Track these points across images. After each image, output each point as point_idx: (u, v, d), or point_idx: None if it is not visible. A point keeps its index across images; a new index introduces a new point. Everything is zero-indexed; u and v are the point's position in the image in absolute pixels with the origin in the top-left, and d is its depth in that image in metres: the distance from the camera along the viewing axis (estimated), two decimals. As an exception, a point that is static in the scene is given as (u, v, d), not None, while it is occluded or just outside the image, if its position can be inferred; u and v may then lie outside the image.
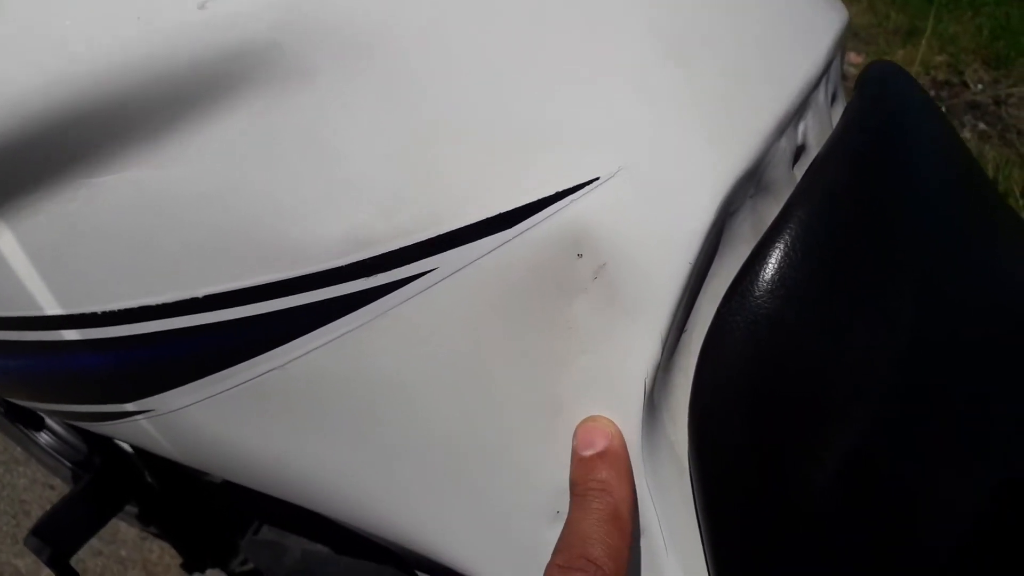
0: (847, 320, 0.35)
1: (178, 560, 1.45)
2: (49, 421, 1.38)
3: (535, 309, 0.35)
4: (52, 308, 0.43)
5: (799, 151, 0.40)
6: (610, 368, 0.35)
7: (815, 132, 0.41)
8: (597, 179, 0.33)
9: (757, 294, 0.34)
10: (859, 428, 0.35)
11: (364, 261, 0.35)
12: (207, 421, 0.43)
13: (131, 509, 0.92)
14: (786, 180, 0.38)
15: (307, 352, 0.38)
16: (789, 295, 0.34)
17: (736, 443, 0.35)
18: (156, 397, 0.44)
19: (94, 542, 1.48)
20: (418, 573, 0.52)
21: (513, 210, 0.33)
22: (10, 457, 1.59)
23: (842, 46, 0.47)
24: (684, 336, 0.36)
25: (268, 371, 0.39)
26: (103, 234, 0.39)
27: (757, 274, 0.34)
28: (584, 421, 0.36)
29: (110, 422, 0.49)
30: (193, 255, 0.38)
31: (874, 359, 0.35)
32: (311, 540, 0.59)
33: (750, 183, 0.35)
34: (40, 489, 1.56)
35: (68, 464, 1.32)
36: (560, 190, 0.33)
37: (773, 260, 0.34)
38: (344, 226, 0.35)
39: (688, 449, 0.37)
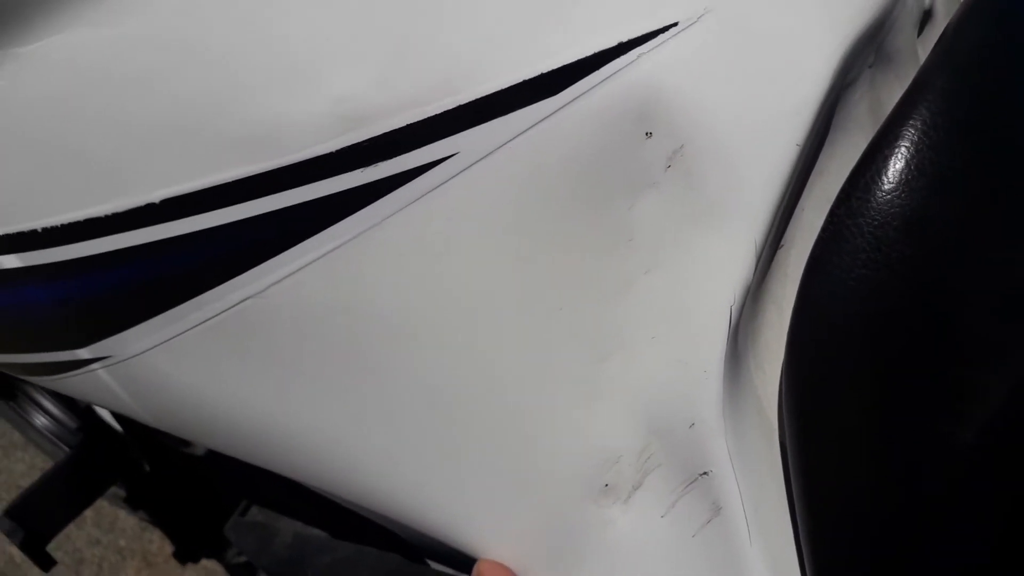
0: (1005, 227, 0.26)
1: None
2: (47, 404, 1.32)
3: (585, 211, 0.27)
4: (-15, 227, 0.35)
5: (925, 18, 0.31)
6: (683, 293, 0.27)
7: (944, -2, 0.32)
8: (675, 25, 0.24)
9: (885, 187, 0.25)
10: (1012, 374, 0.26)
11: (359, 145, 0.27)
12: (173, 368, 0.35)
13: (120, 493, 0.85)
14: (910, 52, 0.29)
15: (291, 273, 0.30)
16: (930, 187, 0.25)
17: (851, 396, 0.26)
18: (113, 339, 0.36)
19: (92, 531, 1.42)
20: (429, 563, 0.43)
21: (558, 70, 0.25)
22: (8, 442, 1.53)
23: None
24: (779, 254, 0.28)
25: (243, 300, 0.31)
26: (35, 119, 0.31)
27: (885, 161, 0.25)
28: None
29: (65, 374, 0.41)
30: (147, 146, 0.30)
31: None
32: (306, 523, 0.51)
33: (870, 47, 0.27)
34: (39, 474, 1.49)
35: (66, 449, 1.25)
36: (623, 40, 0.25)
37: (907, 141, 0.25)
38: (330, 97, 0.26)
39: (782, 407, 0.28)
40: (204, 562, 1.40)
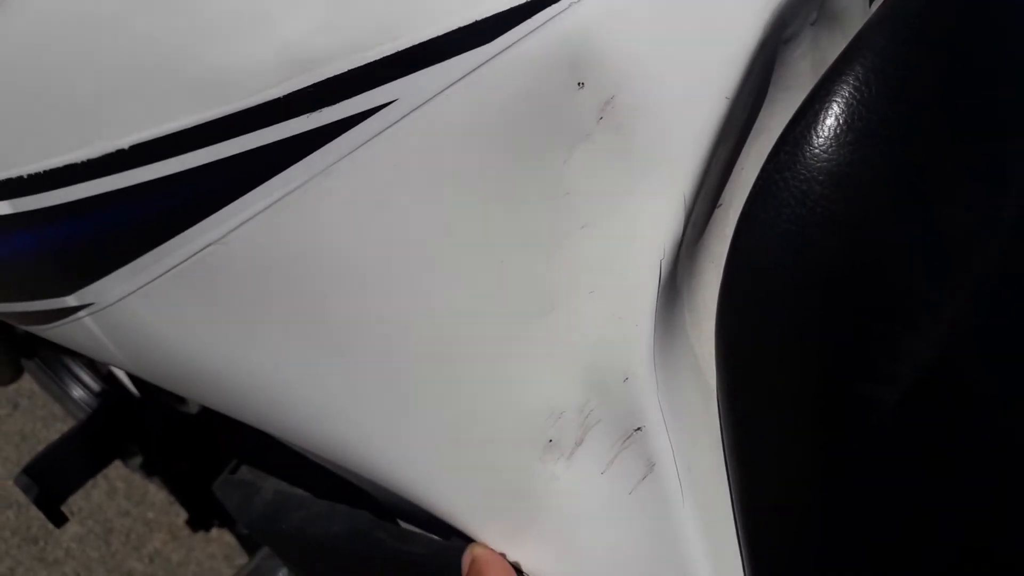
0: (934, 184, 0.26)
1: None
2: (85, 376, 1.36)
3: (522, 163, 0.27)
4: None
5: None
6: (616, 246, 0.27)
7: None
8: (605, -25, 0.25)
9: (816, 143, 0.25)
10: (944, 332, 0.26)
11: (305, 90, 0.28)
12: (149, 314, 0.37)
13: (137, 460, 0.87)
14: (859, 11, 0.29)
15: (246, 220, 0.31)
16: (857, 144, 0.25)
17: (777, 354, 0.26)
18: (94, 285, 0.38)
19: (123, 503, 1.47)
20: (399, 522, 0.44)
21: (492, 17, 0.25)
22: (48, 413, 1.58)
23: None
24: (718, 212, 0.28)
25: (206, 246, 0.33)
26: (12, 70, 0.33)
27: (816, 116, 0.25)
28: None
29: (56, 323, 0.42)
30: (113, 90, 0.31)
31: (968, 241, 0.26)
32: (289, 483, 0.52)
33: (812, 4, 0.26)
34: (76, 446, 1.54)
35: (100, 419, 1.28)
36: (555, -10, 0.25)
37: (839, 98, 0.25)
38: (277, 42, 0.27)
39: (716, 364, 0.28)
40: (227, 537, 1.43)
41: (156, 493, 1.44)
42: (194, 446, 0.70)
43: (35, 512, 1.46)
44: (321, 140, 0.28)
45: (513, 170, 0.27)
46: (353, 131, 0.28)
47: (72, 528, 1.41)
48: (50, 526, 1.43)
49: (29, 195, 0.36)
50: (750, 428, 0.27)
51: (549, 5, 0.25)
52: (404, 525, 0.44)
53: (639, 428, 0.29)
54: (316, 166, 0.29)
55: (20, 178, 0.36)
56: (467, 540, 0.36)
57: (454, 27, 0.26)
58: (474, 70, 0.26)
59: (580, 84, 0.26)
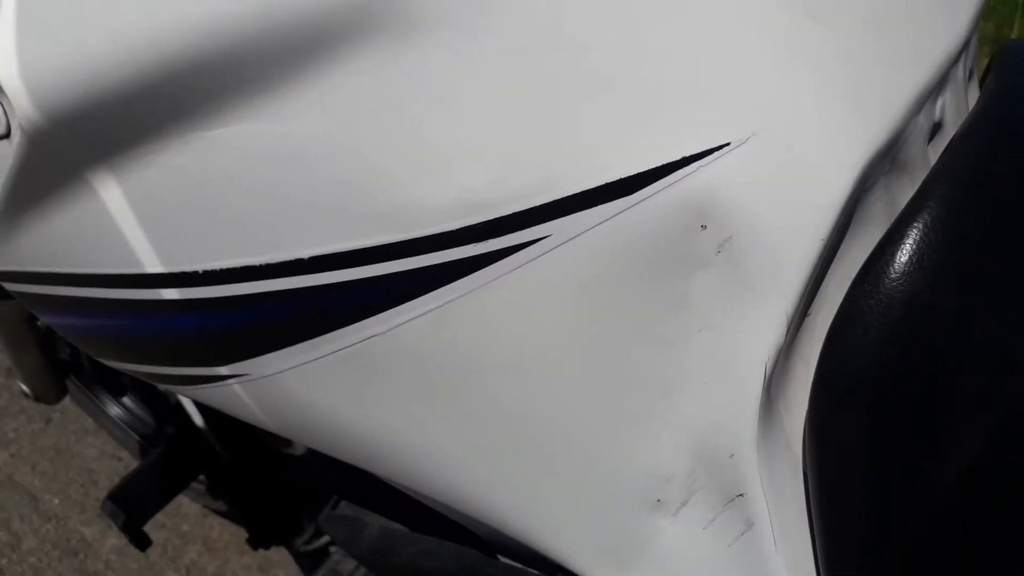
0: (989, 309, 0.32)
1: (238, 538, 1.47)
2: (124, 399, 1.41)
3: (650, 283, 0.33)
4: (153, 266, 0.43)
5: (935, 128, 0.38)
6: (728, 349, 0.34)
7: (952, 109, 0.38)
8: (727, 144, 0.31)
9: (892, 276, 0.32)
10: (993, 428, 0.33)
11: (475, 226, 0.34)
12: (302, 387, 0.43)
13: (197, 485, 0.93)
14: (921, 159, 0.36)
15: (412, 318, 0.37)
16: (927, 279, 0.31)
17: (860, 438, 0.33)
18: (252, 361, 0.43)
19: (158, 516, 1.51)
20: (500, 557, 0.50)
21: (634, 175, 0.32)
22: (80, 427, 1.63)
23: (979, 21, 0.44)
24: (807, 321, 0.35)
25: (371, 337, 0.39)
26: (211, 190, 0.38)
27: (893, 254, 0.32)
28: None
29: (200, 386, 0.48)
30: (301, 214, 0.37)
31: (1016, 352, 0.33)
32: (388, 518, 0.58)
33: (886, 159, 0.33)
34: (108, 460, 1.60)
35: (137, 437, 1.34)
36: (686, 155, 0.31)
37: (911, 240, 0.32)
38: (457, 189, 0.34)
39: (806, 444, 0.35)
40: (260, 551, 1.49)
41: (190, 506, 1.49)
42: (274, 477, 0.76)
43: (73, 524, 1.51)
44: (484, 262, 0.34)
45: (642, 288, 0.34)
46: (512, 257, 0.34)
47: (111, 541, 1.47)
48: (89, 538, 1.49)
49: (199, 287, 0.42)
50: (834, 495, 0.34)
51: (682, 168, 0.32)
52: (502, 559, 0.51)
53: (741, 494, 0.36)
54: (478, 281, 0.35)
55: (195, 272, 0.41)
56: (572, 576, 0.42)
57: (605, 182, 0.32)
58: (617, 214, 0.32)
59: (704, 226, 0.32)
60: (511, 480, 0.40)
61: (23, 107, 0.37)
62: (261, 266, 0.39)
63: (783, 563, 0.35)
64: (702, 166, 0.31)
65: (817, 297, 0.34)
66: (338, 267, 0.37)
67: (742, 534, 0.36)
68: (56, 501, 1.53)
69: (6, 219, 0.47)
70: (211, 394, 0.48)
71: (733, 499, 0.36)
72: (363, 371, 0.40)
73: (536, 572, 0.46)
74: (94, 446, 1.61)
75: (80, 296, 0.49)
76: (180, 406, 0.89)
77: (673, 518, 0.38)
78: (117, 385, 1.37)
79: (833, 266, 0.34)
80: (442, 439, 0.40)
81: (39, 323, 1.02)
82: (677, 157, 0.31)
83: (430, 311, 0.36)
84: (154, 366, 0.50)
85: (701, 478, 0.37)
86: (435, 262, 0.35)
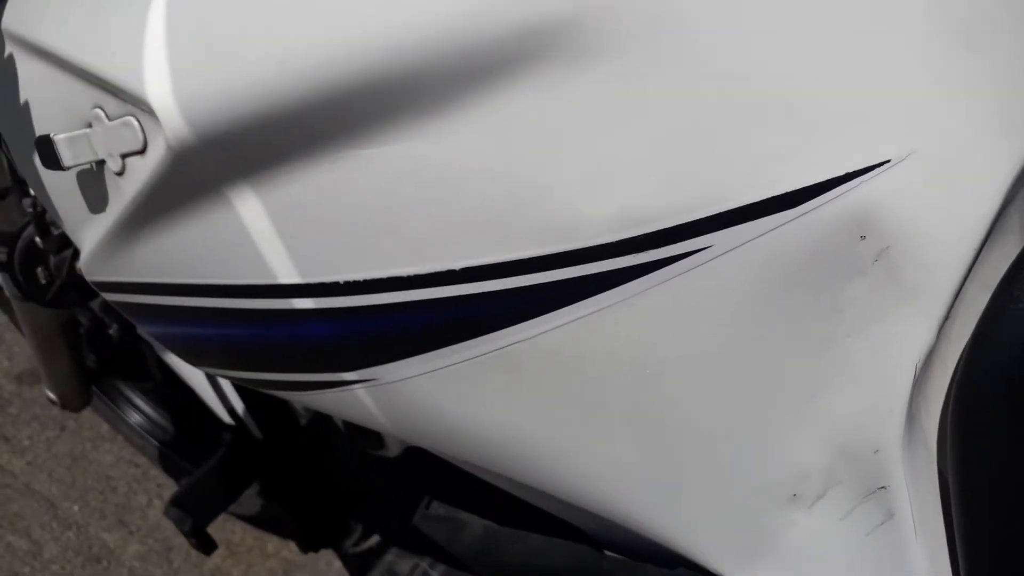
0: None
1: (261, 542, 1.48)
2: (139, 401, 1.42)
3: (807, 290, 0.35)
4: (288, 277, 0.43)
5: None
6: (879, 352, 0.36)
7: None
8: (888, 162, 0.33)
9: (1037, 283, 0.34)
10: None
11: (636, 238, 0.35)
12: (432, 391, 0.44)
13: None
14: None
15: (560, 325, 0.39)
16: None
17: (1002, 439, 0.35)
18: (382, 367, 0.44)
19: (180, 520, 1.51)
20: (607, 552, 0.52)
21: (798, 190, 0.34)
22: (95, 434, 1.62)
23: None
24: (947, 323, 0.37)
25: (514, 343, 0.40)
26: (359, 205, 0.39)
27: (1036, 265, 0.34)
28: None
29: (320, 391, 0.49)
30: (454, 227, 0.38)
31: None
32: (482, 517, 0.60)
33: (1025, 174, 0.35)
34: (126, 466, 1.59)
35: (155, 443, 1.35)
36: (849, 171, 0.33)
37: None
38: (619, 204, 0.35)
39: (948, 442, 0.37)
40: (284, 553, 1.50)
41: (212, 510, 1.49)
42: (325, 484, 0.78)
43: (94, 531, 1.51)
44: (641, 272, 0.36)
45: (799, 296, 0.36)
46: (670, 267, 0.36)
47: (133, 547, 1.46)
48: (111, 545, 1.48)
49: (338, 296, 0.43)
50: (976, 496, 0.36)
51: (844, 183, 0.34)
52: (609, 553, 0.53)
53: (883, 487, 0.38)
54: (633, 290, 0.37)
55: (335, 283, 0.42)
56: (695, 569, 0.44)
57: (768, 196, 0.34)
58: (780, 227, 0.34)
59: (862, 237, 0.34)
60: (649, 478, 0.42)
61: (175, 127, 0.38)
62: (408, 277, 0.40)
63: (922, 550, 0.37)
64: (864, 181, 0.33)
65: (956, 302, 0.37)
66: (489, 277, 0.39)
67: (881, 523, 0.38)
68: (75, 508, 1.52)
69: (124, 231, 0.48)
70: (330, 399, 0.49)
71: (874, 491, 0.38)
72: (502, 376, 0.41)
73: (651, 566, 0.48)
74: (111, 452, 1.60)
75: (194, 306, 0.50)
76: (235, 413, 0.89)
77: (808, 511, 0.40)
78: (137, 393, 1.37)
79: (973, 271, 0.36)
80: (580, 441, 0.42)
81: (80, 329, 1.03)
82: (841, 172, 0.33)
83: (580, 318, 0.38)
84: (270, 373, 0.51)
85: (840, 472, 0.39)
86: (590, 272, 0.37)
